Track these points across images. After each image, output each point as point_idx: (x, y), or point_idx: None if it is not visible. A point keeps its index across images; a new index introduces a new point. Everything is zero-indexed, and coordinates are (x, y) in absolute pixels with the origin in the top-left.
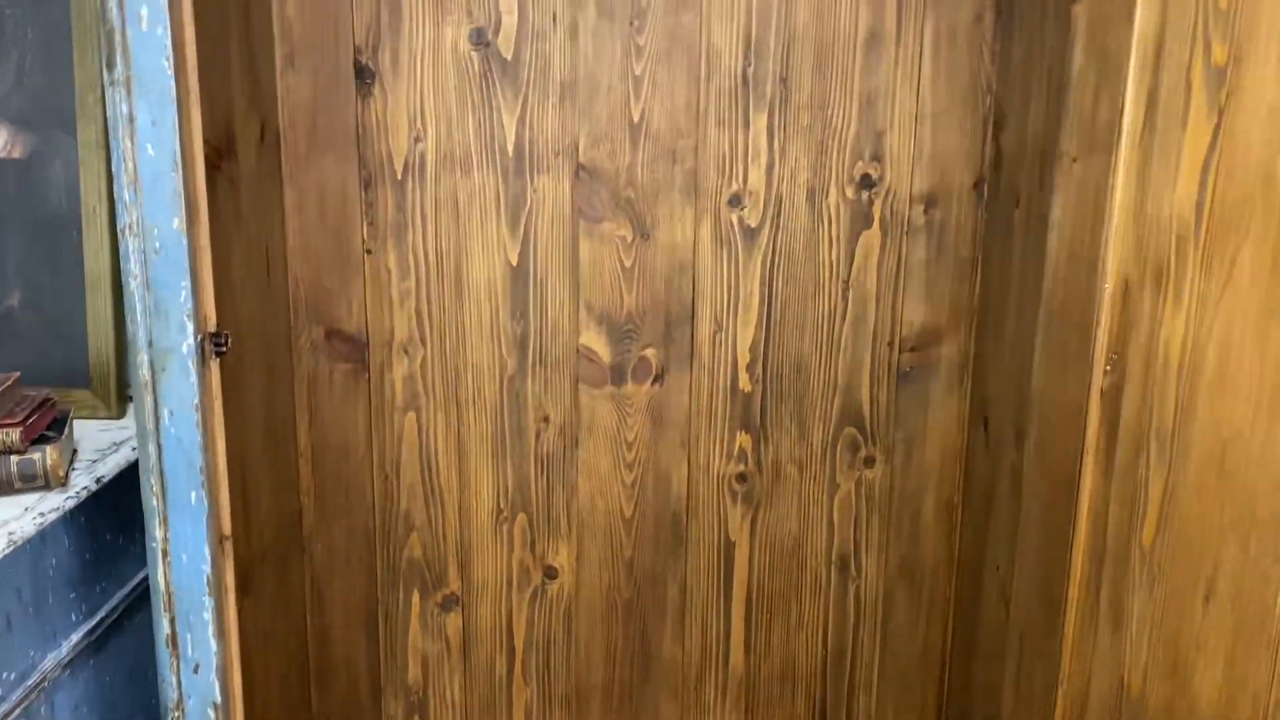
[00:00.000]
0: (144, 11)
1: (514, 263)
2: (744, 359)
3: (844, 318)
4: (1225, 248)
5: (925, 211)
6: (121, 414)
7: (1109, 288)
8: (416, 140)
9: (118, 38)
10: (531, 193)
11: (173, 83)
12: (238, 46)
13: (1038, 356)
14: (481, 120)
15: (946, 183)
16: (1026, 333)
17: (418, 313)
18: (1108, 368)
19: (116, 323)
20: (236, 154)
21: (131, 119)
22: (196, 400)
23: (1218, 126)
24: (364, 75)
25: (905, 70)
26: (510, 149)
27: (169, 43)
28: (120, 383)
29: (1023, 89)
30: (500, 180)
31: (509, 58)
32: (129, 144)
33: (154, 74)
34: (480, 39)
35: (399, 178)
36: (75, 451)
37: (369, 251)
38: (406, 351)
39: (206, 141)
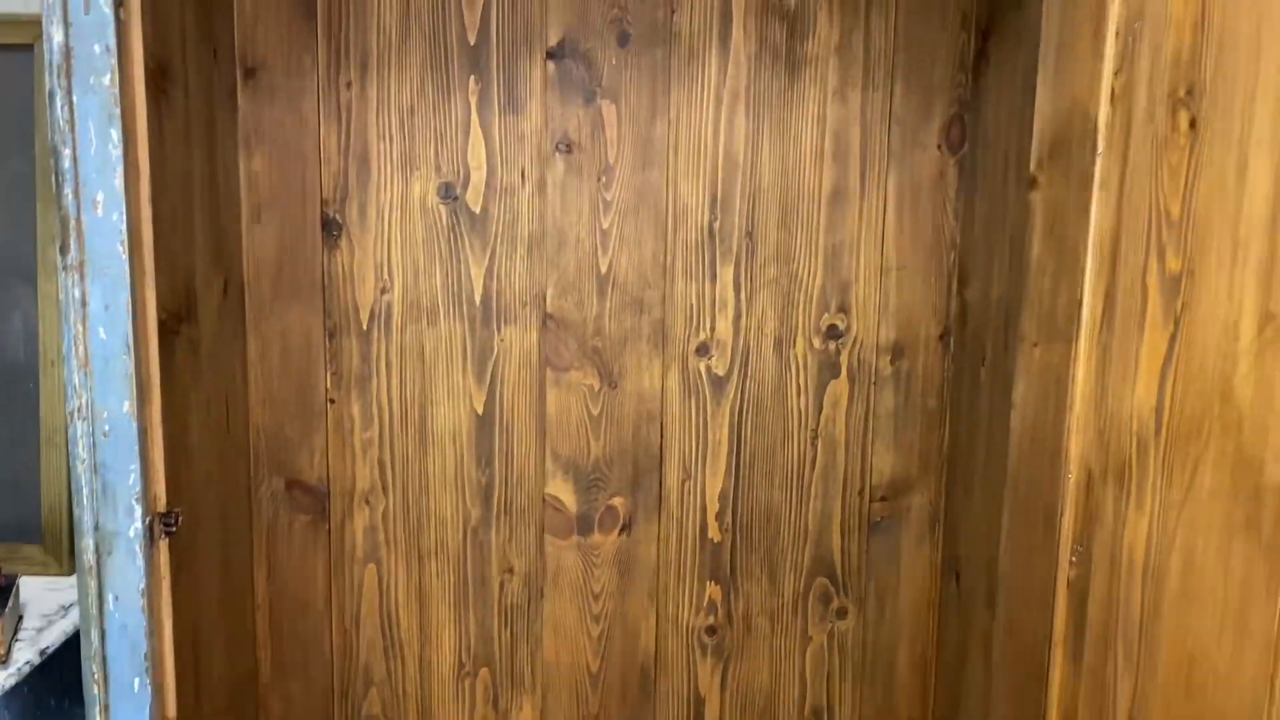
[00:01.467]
0: (100, 197)
1: (479, 411)
2: (713, 508)
3: (813, 466)
4: (1185, 458)
5: (892, 362)
6: (73, 570)
7: (1072, 477)
8: (383, 291)
9: (72, 223)
10: (498, 342)
11: (127, 267)
12: (202, 204)
13: (1005, 533)
14: (449, 271)
15: (913, 334)
16: (994, 491)
17: (380, 462)
18: (1073, 558)
19: (71, 477)
20: (197, 315)
21: (84, 302)
22: (143, 584)
23: (1174, 336)
24: (331, 228)
25: (869, 225)
26: (477, 299)
27: (124, 227)
28: (73, 539)
29: (985, 248)
30: (467, 330)
31: (477, 211)
32: (80, 328)
33: (108, 258)
34: (449, 194)
35: (364, 328)
36: (20, 619)
37: (332, 401)
38: (368, 502)
39: (165, 309)
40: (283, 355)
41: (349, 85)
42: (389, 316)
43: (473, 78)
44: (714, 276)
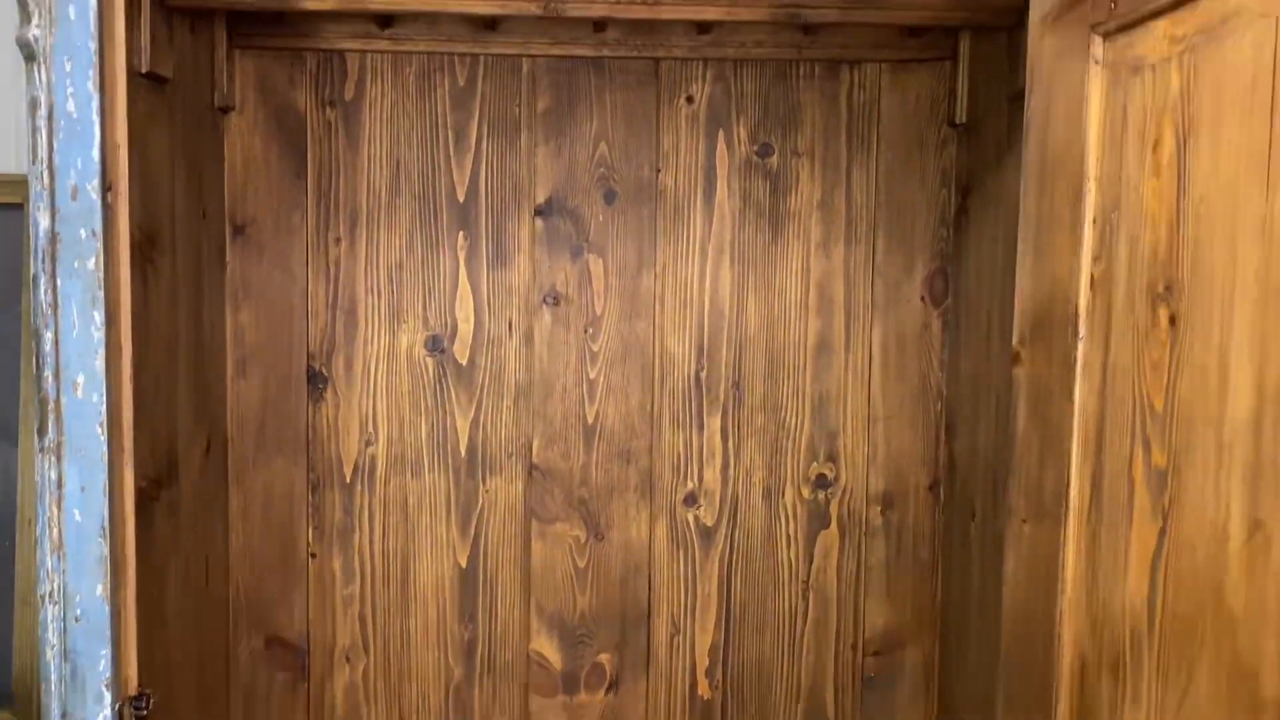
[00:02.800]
0: (80, 379)
1: (463, 565)
2: (702, 663)
3: (805, 619)
4: (1181, 659)
5: (883, 512)
6: None
7: (1066, 663)
8: (367, 443)
9: (51, 406)
10: (483, 493)
11: (105, 448)
12: (187, 363)
13: (1001, 711)
14: (434, 423)
15: (902, 483)
16: (990, 649)
17: (361, 618)
18: None
19: (40, 663)
20: (178, 476)
21: (60, 484)
22: None
23: (1163, 531)
24: (316, 381)
25: (856, 374)
26: (462, 450)
27: (104, 408)
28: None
29: (972, 401)
30: (451, 482)
31: (464, 363)
32: (55, 510)
33: (86, 440)
34: (436, 346)
35: (347, 480)
36: None
37: (313, 555)
38: (349, 659)
39: (145, 477)
40: (265, 510)
41: (338, 241)
42: (373, 469)
43: (461, 233)
44: (701, 426)
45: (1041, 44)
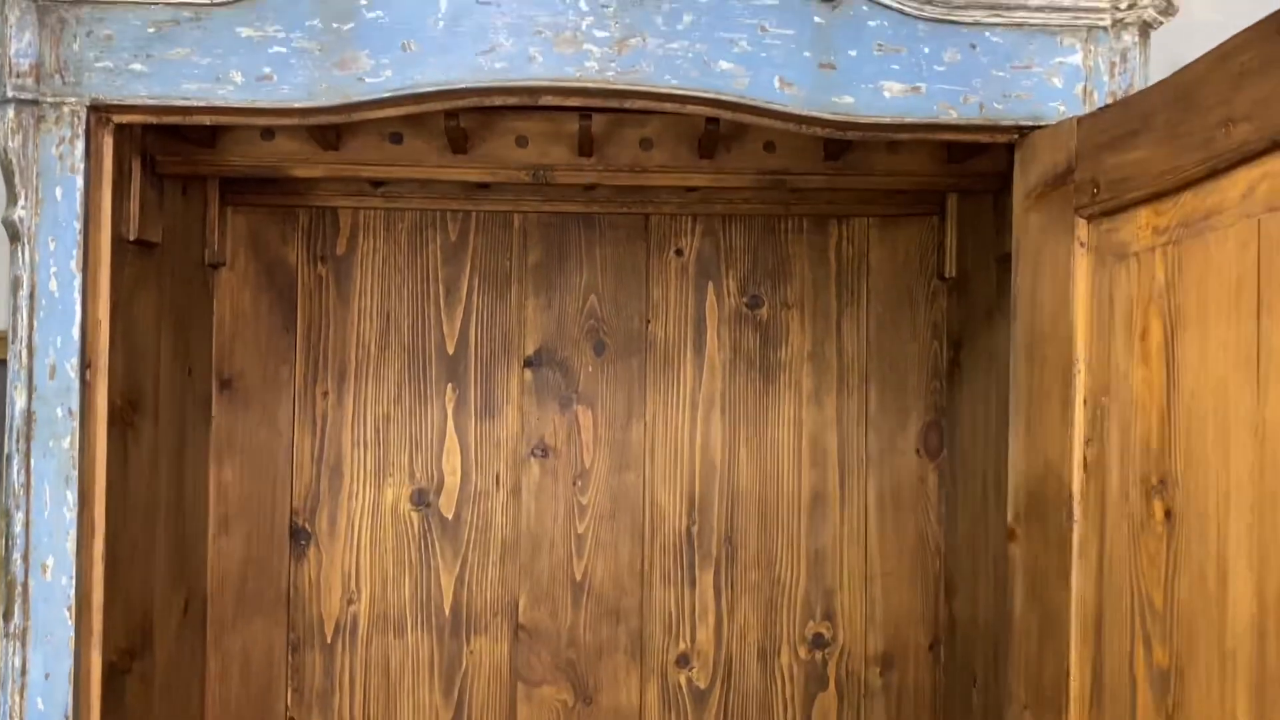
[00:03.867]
0: (50, 561)
1: None
2: None
3: None
4: None
5: (882, 673)
6: None
7: None
8: (349, 602)
9: (18, 589)
10: (468, 654)
11: (73, 633)
12: (166, 524)
13: None
14: (418, 580)
15: (901, 643)
16: None
17: None
18: None
19: None
20: (153, 645)
21: (24, 671)
22: None
23: None
24: (299, 537)
25: (852, 529)
26: (447, 609)
27: (73, 591)
28: None
29: (970, 559)
30: (435, 642)
31: (450, 517)
32: (17, 699)
33: (53, 625)
34: (421, 500)
35: (329, 640)
36: None
37: (292, 719)
38: None
39: (116, 649)
40: (243, 672)
41: (325, 395)
42: (355, 628)
43: (450, 385)
44: (693, 582)
45: (1026, 220)
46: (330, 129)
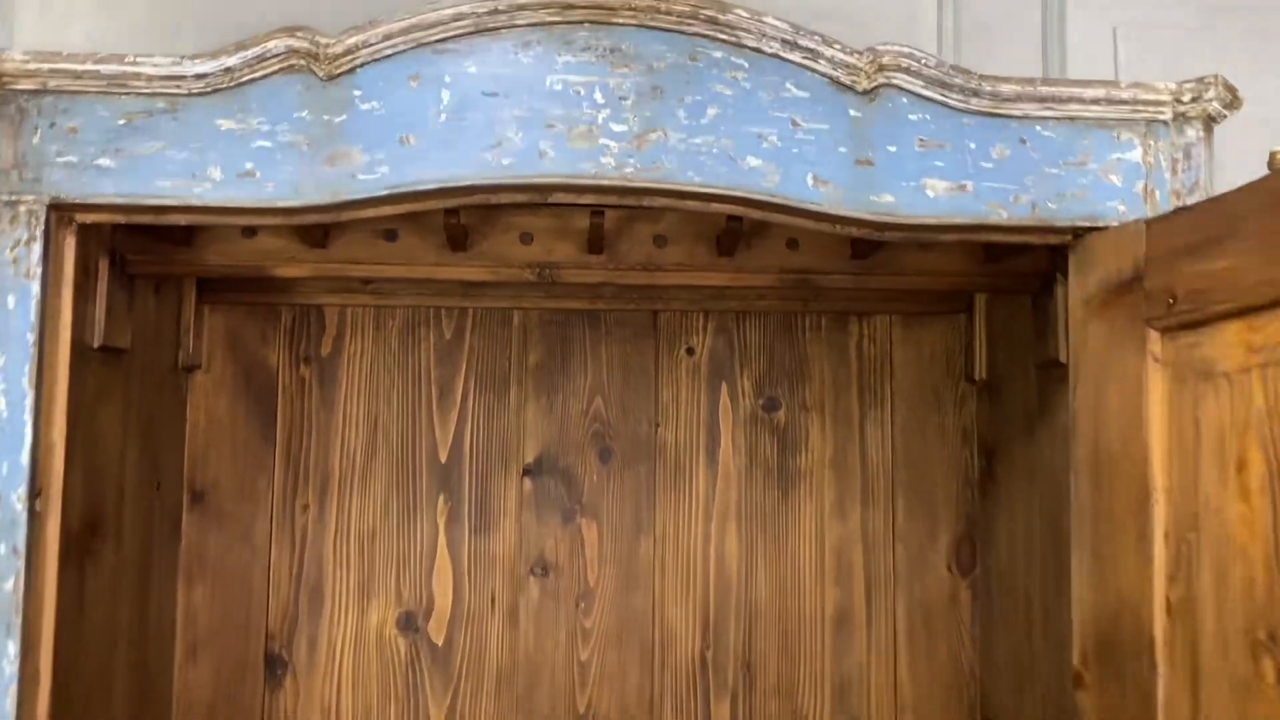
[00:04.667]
0: None
1: None
2: None
3: None
4: None
5: None
6: None
7: None
8: None
9: None
10: None
11: None
12: (128, 652)
13: None
14: (405, 714)
15: None
16: None
17: None
18: None
19: None
20: None
21: None
22: None
23: None
24: (275, 665)
25: (880, 653)
26: None
27: None
28: None
29: (1013, 687)
30: None
31: (440, 644)
32: None
33: None
34: (409, 624)
35: None
36: None
37: None
38: None
39: None
40: None
41: (305, 508)
42: None
43: (442, 497)
44: (708, 714)
45: (1085, 329)
46: (317, 227)
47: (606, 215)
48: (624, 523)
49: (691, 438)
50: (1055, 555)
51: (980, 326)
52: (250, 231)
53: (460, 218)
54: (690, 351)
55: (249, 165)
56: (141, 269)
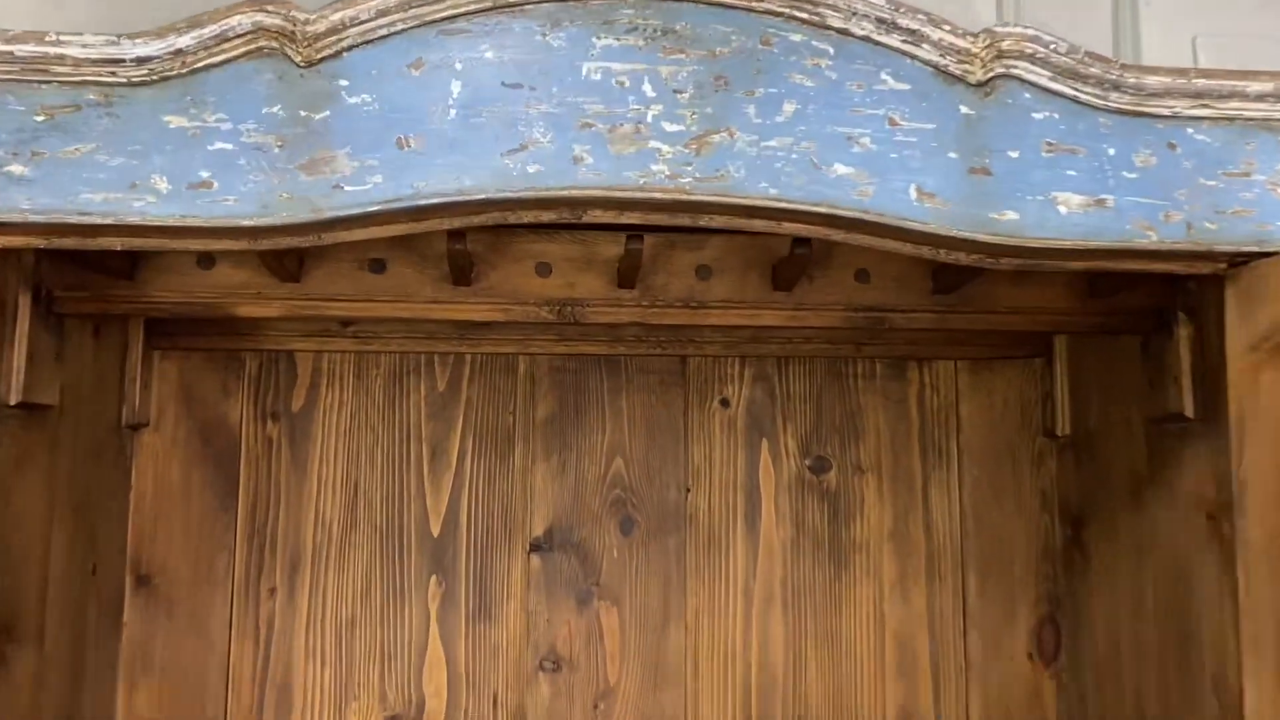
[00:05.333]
0: None
1: None
2: None
3: None
4: None
5: None
6: None
7: None
8: None
9: None
10: None
11: None
12: None
13: None
14: None
15: None
16: None
17: None
18: None
19: None
20: None
21: None
22: None
23: None
24: None
25: None
26: None
27: None
28: None
29: None
30: None
31: None
32: None
33: None
34: None
35: None
36: None
37: None
38: None
39: None
40: None
41: (272, 592)
42: None
43: (434, 577)
44: None
45: (1256, 379)
46: (290, 254)
47: (644, 240)
48: (650, 606)
49: (728, 505)
50: (1179, 649)
51: (1062, 373)
52: (207, 260)
53: (466, 243)
54: (725, 403)
55: (204, 174)
56: (73, 308)
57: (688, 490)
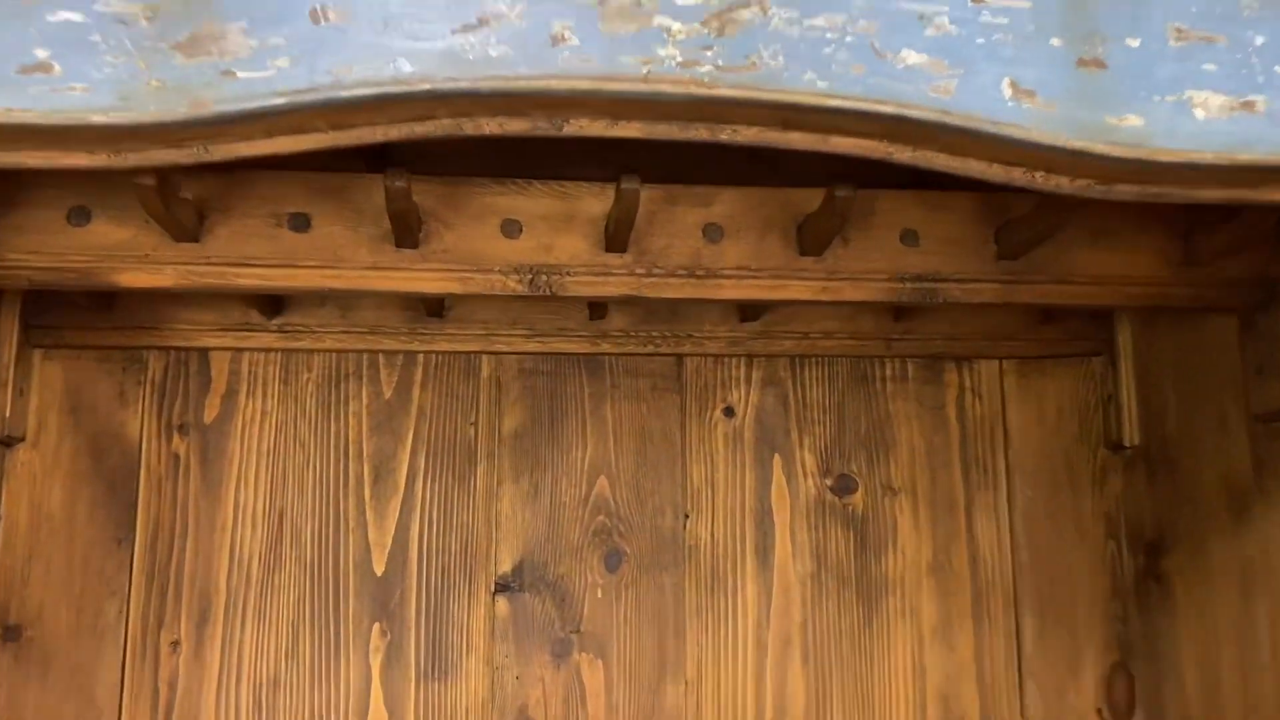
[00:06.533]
0: None
1: None
2: None
3: None
4: None
5: None
6: None
7: None
8: None
9: None
10: None
11: None
12: None
13: None
14: None
15: None
16: None
17: None
18: None
19: None
20: None
21: None
22: None
23: None
24: None
25: None
26: None
27: None
28: None
29: None
30: None
31: None
32: None
33: None
34: None
35: None
36: None
37: None
38: None
39: None
40: None
41: (176, 645)
42: None
43: (378, 626)
44: None
45: None
46: (185, 206)
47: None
48: (642, 658)
49: (734, 534)
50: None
51: (1127, 371)
52: (80, 215)
53: (410, 190)
54: (729, 412)
55: (41, 54)
56: None
57: (686, 517)
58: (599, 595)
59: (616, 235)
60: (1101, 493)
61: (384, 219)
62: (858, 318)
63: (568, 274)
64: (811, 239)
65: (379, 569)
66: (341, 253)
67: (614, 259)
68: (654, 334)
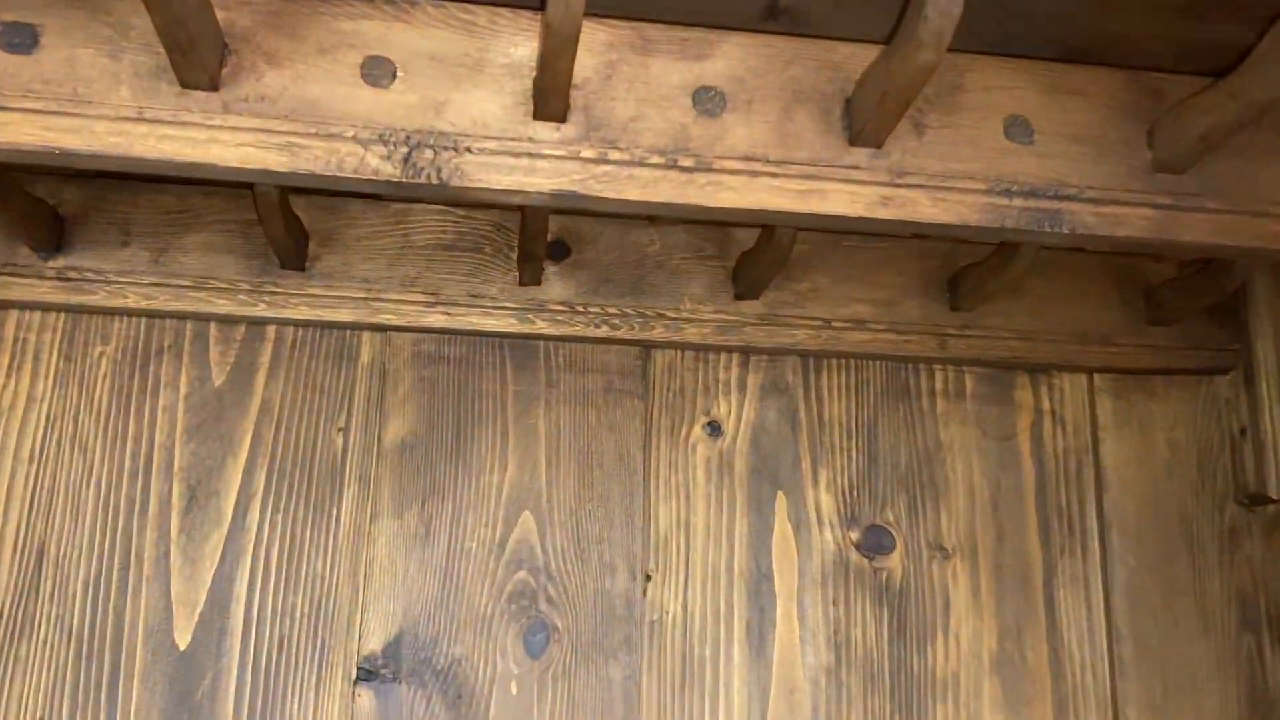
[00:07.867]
0: None
1: None
2: None
3: None
4: None
5: None
6: None
7: None
8: None
9: None
10: None
11: None
12: None
13: None
14: None
15: None
16: None
17: None
18: None
19: None
20: None
21: None
22: None
23: None
24: None
25: None
26: None
27: None
28: None
29: None
30: None
31: None
32: None
33: None
34: None
35: None
36: None
37: None
38: None
39: None
40: None
41: None
42: None
43: None
44: None
45: None
46: None
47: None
48: None
49: (718, 604)
50: None
51: (1270, 393)
52: None
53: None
54: (714, 429)
55: None
56: None
57: (648, 578)
58: (513, 691)
59: (550, 93)
60: (1232, 562)
61: (159, 43)
62: (902, 299)
63: (468, 150)
64: (867, 118)
65: (182, 641)
66: (88, 89)
67: (546, 130)
68: (610, 310)
